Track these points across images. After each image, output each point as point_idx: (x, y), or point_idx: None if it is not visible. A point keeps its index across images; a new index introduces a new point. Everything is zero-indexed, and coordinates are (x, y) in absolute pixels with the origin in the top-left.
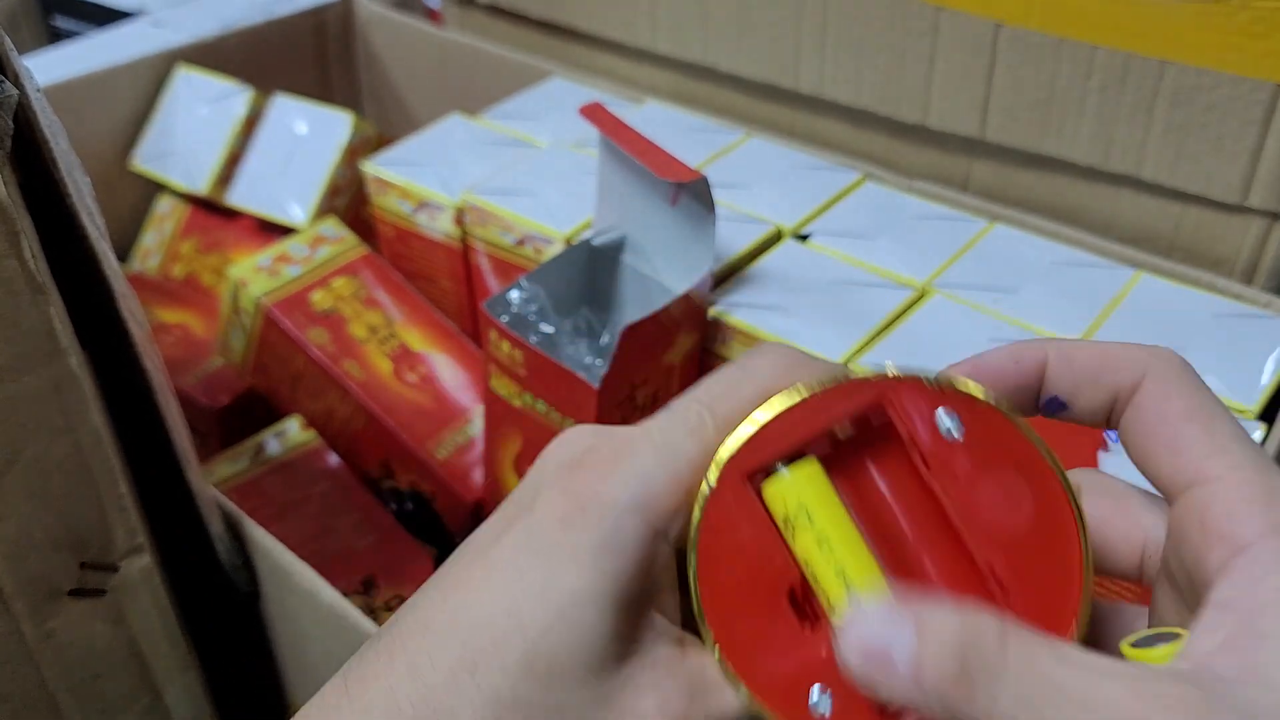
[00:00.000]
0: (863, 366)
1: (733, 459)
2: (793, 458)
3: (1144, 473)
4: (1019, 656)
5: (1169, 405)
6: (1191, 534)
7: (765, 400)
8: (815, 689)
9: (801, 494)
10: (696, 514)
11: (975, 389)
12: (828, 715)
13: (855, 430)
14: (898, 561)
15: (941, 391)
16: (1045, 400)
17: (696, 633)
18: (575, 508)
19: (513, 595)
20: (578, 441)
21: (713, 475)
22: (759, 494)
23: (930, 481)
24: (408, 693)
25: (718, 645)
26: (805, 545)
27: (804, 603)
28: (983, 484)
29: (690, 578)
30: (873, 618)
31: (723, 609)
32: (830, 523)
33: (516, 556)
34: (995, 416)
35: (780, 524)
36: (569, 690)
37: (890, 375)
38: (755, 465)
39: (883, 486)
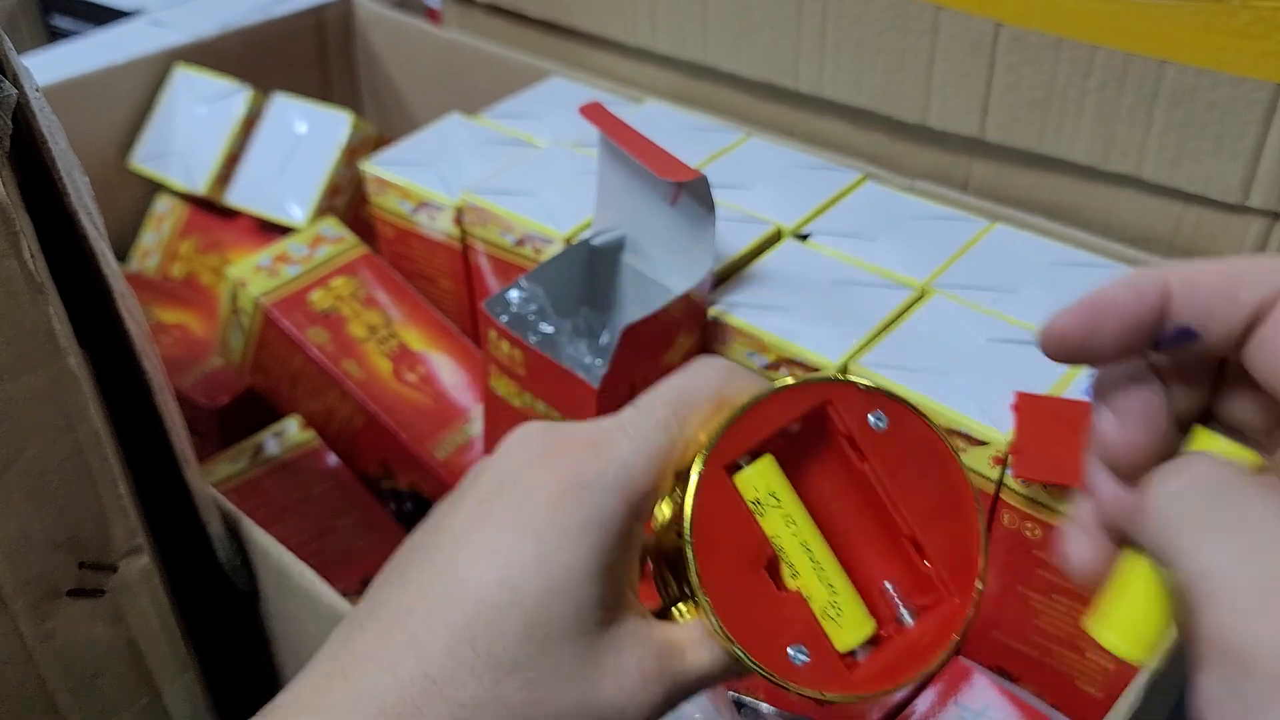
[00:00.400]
0: (787, 378)
1: (714, 451)
2: (756, 452)
3: None
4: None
5: None
6: None
7: (717, 403)
8: (792, 647)
9: (769, 481)
10: (690, 499)
11: (896, 392)
12: (806, 662)
13: (801, 426)
14: (838, 533)
15: (871, 394)
16: (1173, 332)
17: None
18: (563, 489)
19: (508, 570)
20: (540, 435)
21: (698, 466)
22: (733, 481)
23: (860, 465)
24: (410, 668)
25: (716, 614)
26: (774, 523)
27: (775, 571)
28: (902, 466)
29: (688, 554)
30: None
31: (715, 579)
32: (795, 504)
33: (506, 534)
34: (911, 414)
35: (750, 506)
36: (562, 653)
37: (830, 380)
38: (730, 458)
39: (822, 471)
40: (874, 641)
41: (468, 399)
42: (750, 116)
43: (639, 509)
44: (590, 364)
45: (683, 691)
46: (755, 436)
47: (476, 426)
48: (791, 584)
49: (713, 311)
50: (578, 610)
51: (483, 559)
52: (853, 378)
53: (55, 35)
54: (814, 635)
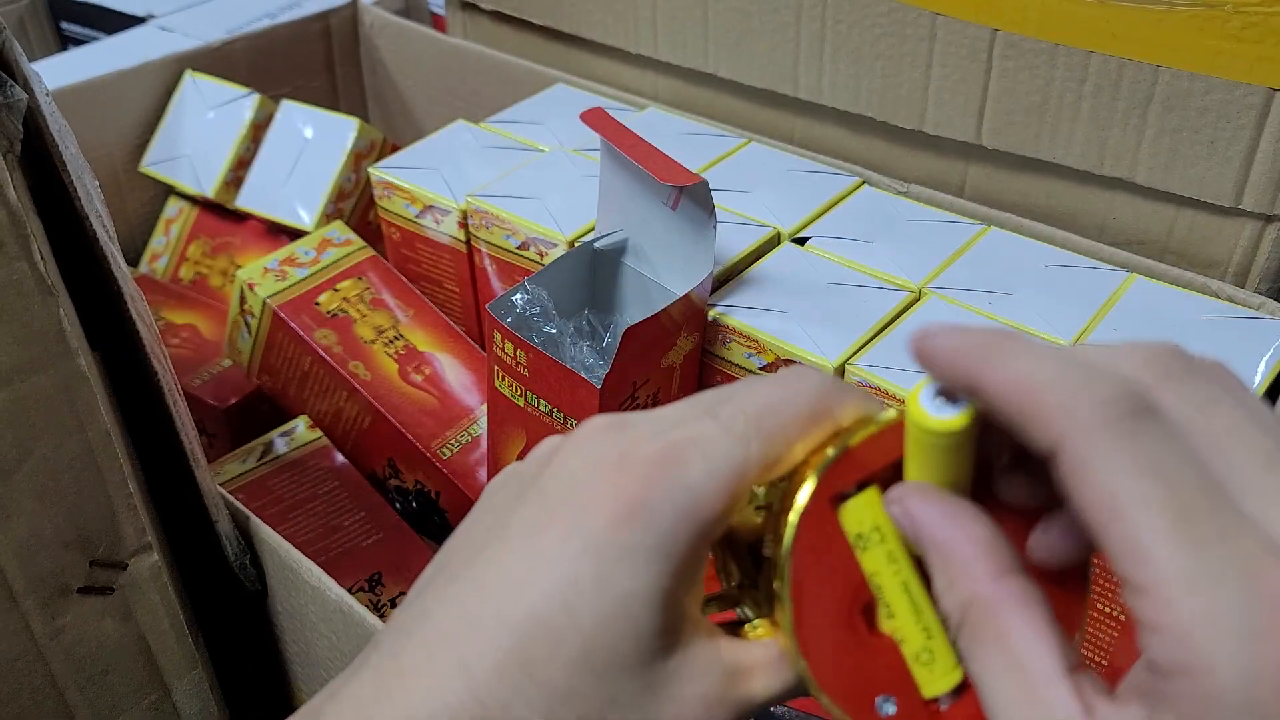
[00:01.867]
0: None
1: (821, 483)
2: (863, 482)
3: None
4: None
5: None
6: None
7: (811, 419)
8: (880, 697)
9: (875, 515)
10: (790, 533)
11: None
12: (893, 713)
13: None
14: None
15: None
16: None
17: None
18: (626, 511)
19: (566, 592)
20: (612, 438)
21: (804, 496)
22: (836, 513)
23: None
24: (458, 690)
25: (807, 662)
26: (876, 560)
27: (872, 613)
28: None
29: (784, 595)
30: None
31: (808, 623)
32: (898, 541)
33: (566, 553)
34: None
35: (851, 540)
36: (621, 682)
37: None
38: (835, 490)
39: None
40: (960, 690)
41: (473, 399)
42: (750, 122)
43: (708, 533)
44: (593, 364)
45: (748, 712)
46: (866, 469)
47: (481, 426)
48: (886, 625)
49: (713, 313)
50: (637, 638)
51: (540, 575)
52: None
53: (66, 41)
54: (903, 684)
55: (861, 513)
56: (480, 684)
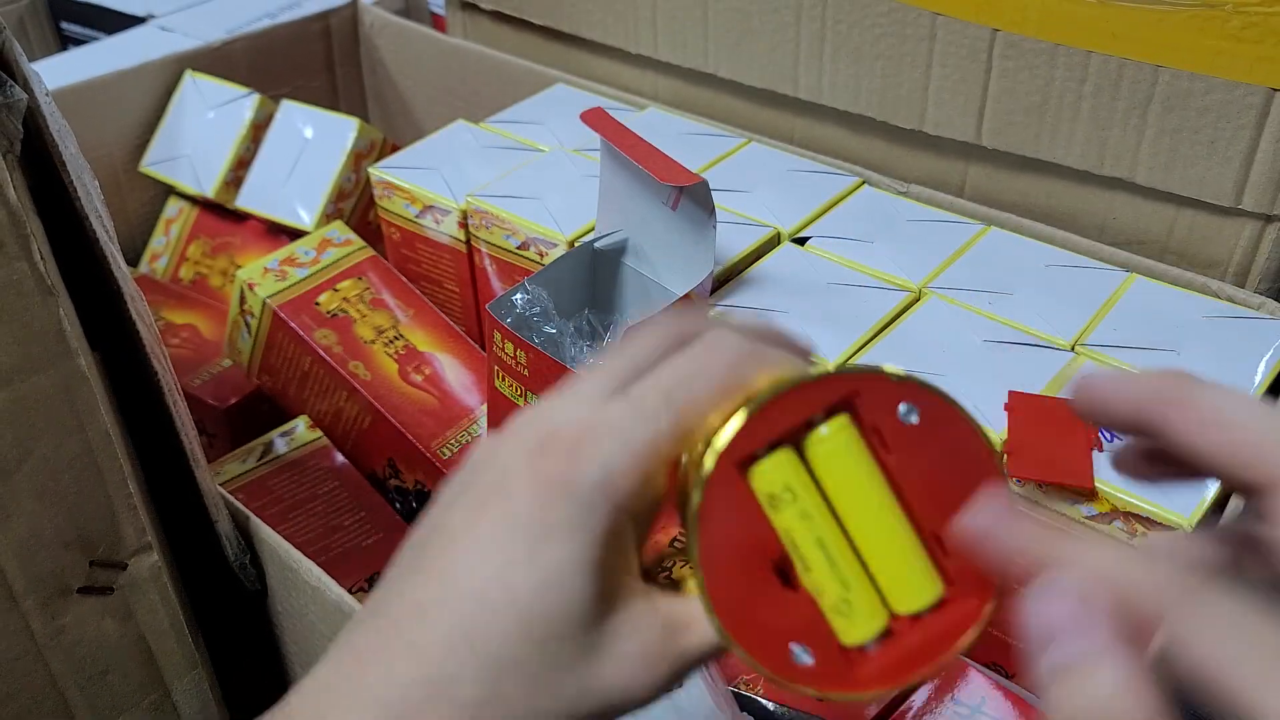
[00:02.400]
0: (811, 368)
1: (727, 449)
2: (774, 444)
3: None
4: None
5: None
6: None
7: (726, 386)
8: (794, 645)
9: (786, 476)
10: (696, 496)
11: (928, 383)
12: (810, 664)
13: (825, 416)
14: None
15: (903, 385)
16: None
17: (657, 578)
18: (547, 492)
19: (501, 569)
20: (532, 428)
21: (709, 462)
22: (745, 475)
23: (885, 458)
24: (407, 668)
25: (718, 616)
26: (789, 519)
27: (787, 571)
28: (931, 460)
29: (692, 554)
30: (1070, 606)
31: (720, 581)
32: (811, 499)
33: (498, 535)
34: (947, 407)
35: (764, 501)
36: (561, 646)
37: (859, 370)
38: (744, 453)
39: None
40: (886, 635)
41: (473, 399)
42: (750, 122)
43: (625, 506)
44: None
45: (690, 664)
46: (773, 430)
47: (482, 426)
48: (805, 579)
49: (713, 313)
50: (570, 605)
51: (476, 558)
52: (884, 366)
53: (66, 41)
54: (819, 633)
55: (772, 474)
56: (428, 661)
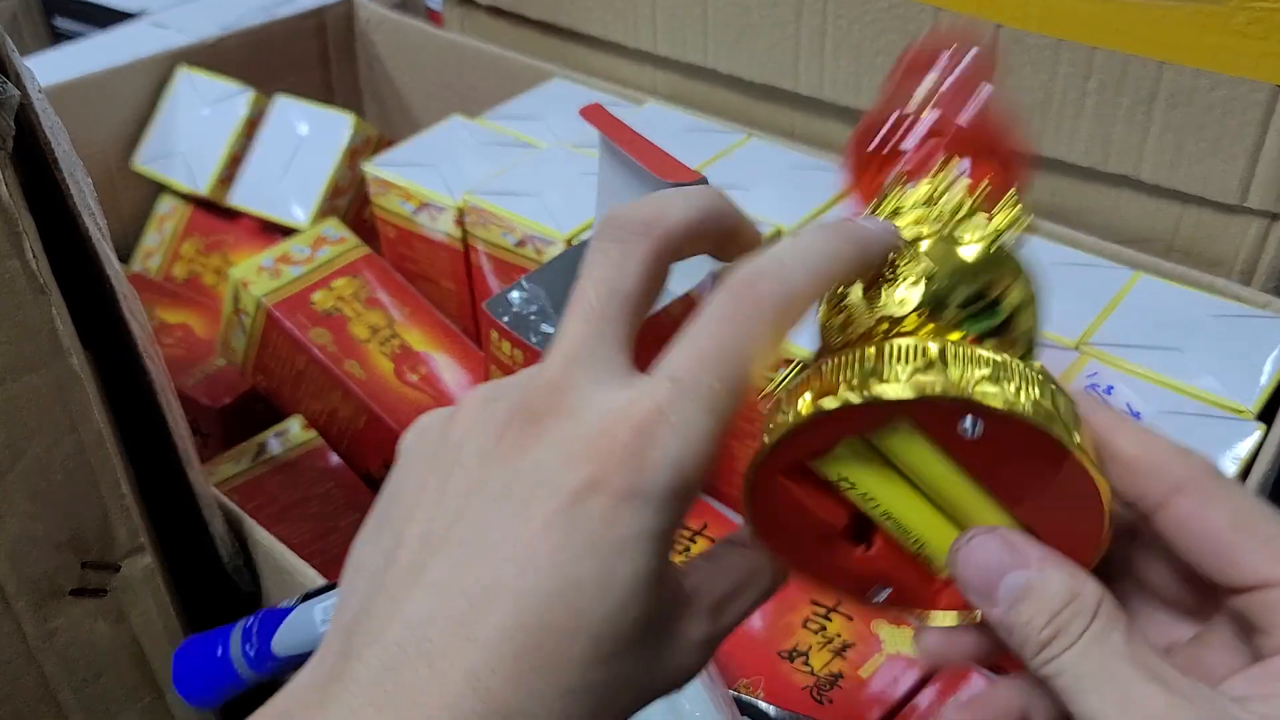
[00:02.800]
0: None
1: (771, 458)
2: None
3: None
4: (1096, 635)
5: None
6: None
7: (767, 368)
8: (870, 590)
9: (839, 468)
10: (749, 481)
11: (997, 400)
12: (889, 593)
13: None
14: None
15: (955, 404)
16: None
17: None
18: (616, 504)
19: (568, 595)
20: (568, 421)
21: (761, 456)
22: (805, 466)
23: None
24: (473, 705)
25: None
26: (858, 497)
27: (857, 536)
28: (1007, 469)
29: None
30: (999, 546)
31: (782, 545)
32: (873, 481)
33: (563, 554)
34: (1018, 422)
35: (835, 481)
36: (631, 661)
37: (931, 398)
38: (790, 461)
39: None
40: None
41: None
42: (750, 118)
43: (694, 496)
44: None
45: (730, 630)
46: (821, 444)
47: None
48: (884, 525)
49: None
50: (642, 620)
51: (544, 582)
52: (930, 395)
53: (58, 37)
54: (898, 574)
55: (829, 468)
56: (496, 696)
